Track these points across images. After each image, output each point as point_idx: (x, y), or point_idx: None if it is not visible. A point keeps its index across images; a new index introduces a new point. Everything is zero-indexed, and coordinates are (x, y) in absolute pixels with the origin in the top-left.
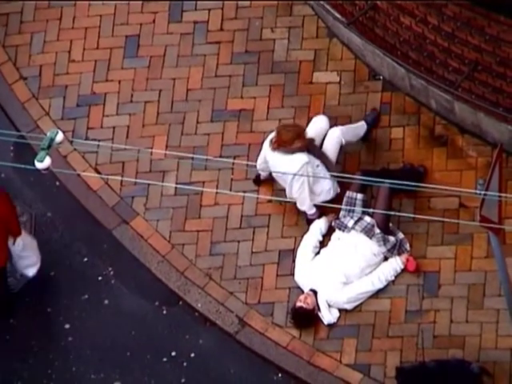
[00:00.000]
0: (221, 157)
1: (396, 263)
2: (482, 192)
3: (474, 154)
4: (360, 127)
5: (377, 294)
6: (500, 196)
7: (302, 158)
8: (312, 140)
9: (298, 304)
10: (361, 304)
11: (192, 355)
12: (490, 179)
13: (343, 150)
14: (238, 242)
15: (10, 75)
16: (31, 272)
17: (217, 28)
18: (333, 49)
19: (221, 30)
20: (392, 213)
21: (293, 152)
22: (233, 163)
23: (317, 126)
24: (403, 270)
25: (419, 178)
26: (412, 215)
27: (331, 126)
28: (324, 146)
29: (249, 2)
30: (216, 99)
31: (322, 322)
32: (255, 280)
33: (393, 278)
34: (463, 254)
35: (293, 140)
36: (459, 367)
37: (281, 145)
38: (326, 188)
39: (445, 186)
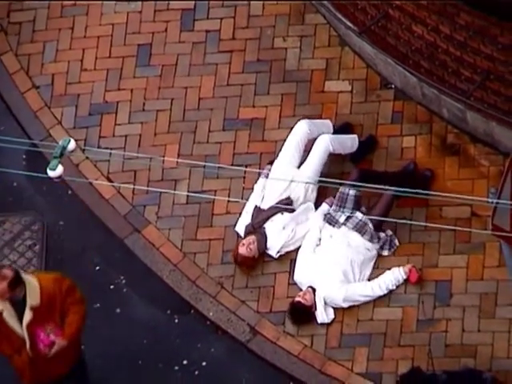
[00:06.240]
0: (232, 165)
1: (398, 273)
2: (494, 201)
3: (486, 163)
4: (351, 139)
5: (388, 302)
6: None
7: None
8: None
9: (297, 299)
10: (372, 313)
11: (204, 364)
12: (501, 188)
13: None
14: None
15: (22, 84)
16: None
17: (229, 37)
18: (345, 58)
19: (233, 39)
20: (403, 221)
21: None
22: (244, 172)
23: (298, 132)
24: (405, 281)
25: (424, 182)
26: (424, 224)
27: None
28: (311, 151)
29: (261, 11)
30: (228, 108)
31: (316, 321)
32: (267, 289)
33: (394, 287)
34: (475, 263)
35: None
36: (471, 377)
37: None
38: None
39: (457, 195)
